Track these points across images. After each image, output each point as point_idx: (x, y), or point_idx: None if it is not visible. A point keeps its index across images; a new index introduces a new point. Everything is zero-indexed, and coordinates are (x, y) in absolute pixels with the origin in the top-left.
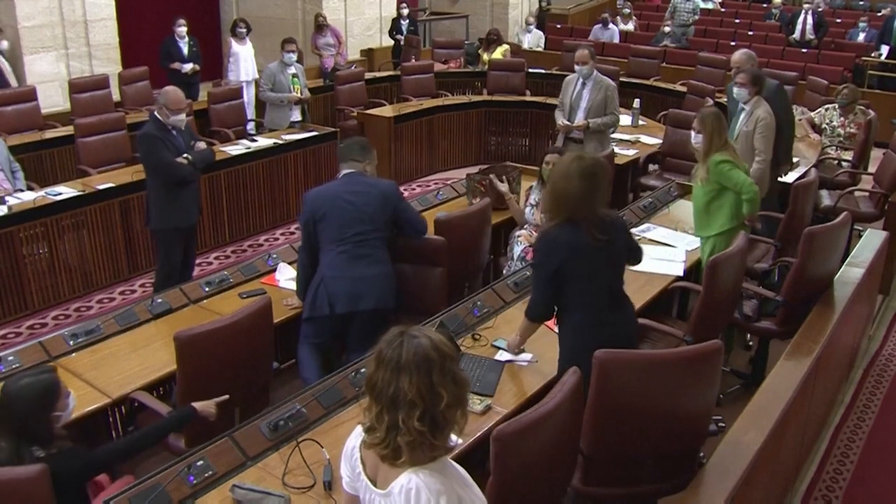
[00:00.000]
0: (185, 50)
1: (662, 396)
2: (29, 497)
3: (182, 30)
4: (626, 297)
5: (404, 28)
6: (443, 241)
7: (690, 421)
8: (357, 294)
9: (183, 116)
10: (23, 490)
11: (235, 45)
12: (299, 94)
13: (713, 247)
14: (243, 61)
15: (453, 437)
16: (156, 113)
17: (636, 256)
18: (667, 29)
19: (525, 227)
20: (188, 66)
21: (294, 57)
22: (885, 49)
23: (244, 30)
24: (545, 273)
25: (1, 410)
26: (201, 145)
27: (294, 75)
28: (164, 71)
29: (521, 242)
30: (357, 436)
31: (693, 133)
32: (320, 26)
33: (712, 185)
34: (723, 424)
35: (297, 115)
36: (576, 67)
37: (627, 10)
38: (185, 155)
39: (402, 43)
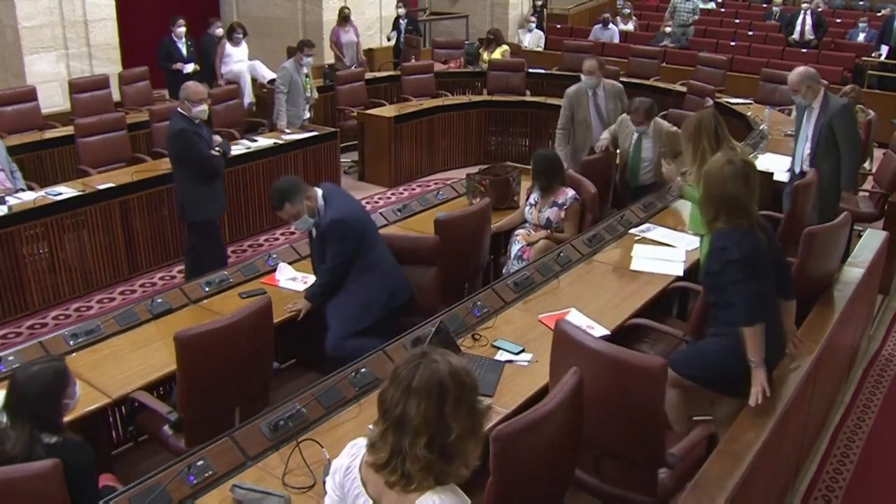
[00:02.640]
0: (184, 50)
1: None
2: (41, 493)
3: (181, 30)
4: (778, 304)
5: (402, 27)
6: (436, 240)
7: (634, 428)
8: (405, 282)
9: (204, 107)
10: (35, 486)
11: (229, 48)
12: (309, 93)
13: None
14: (235, 63)
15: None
16: (180, 109)
17: (785, 287)
18: (667, 29)
19: (524, 226)
20: (190, 67)
21: (311, 60)
22: (884, 49)
23: (241, 35)
24: (746, 269)
25: (14, 397)
26: (217, 138)
27: (307, 75)
28: (161, 72)
29: (519, 241)
30: (351, 455)
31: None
32: (346, 19)
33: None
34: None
35: (307, 114)
36: (584, 78)
37: (627, 11)
38: (216, 147)
39: (401, 44)
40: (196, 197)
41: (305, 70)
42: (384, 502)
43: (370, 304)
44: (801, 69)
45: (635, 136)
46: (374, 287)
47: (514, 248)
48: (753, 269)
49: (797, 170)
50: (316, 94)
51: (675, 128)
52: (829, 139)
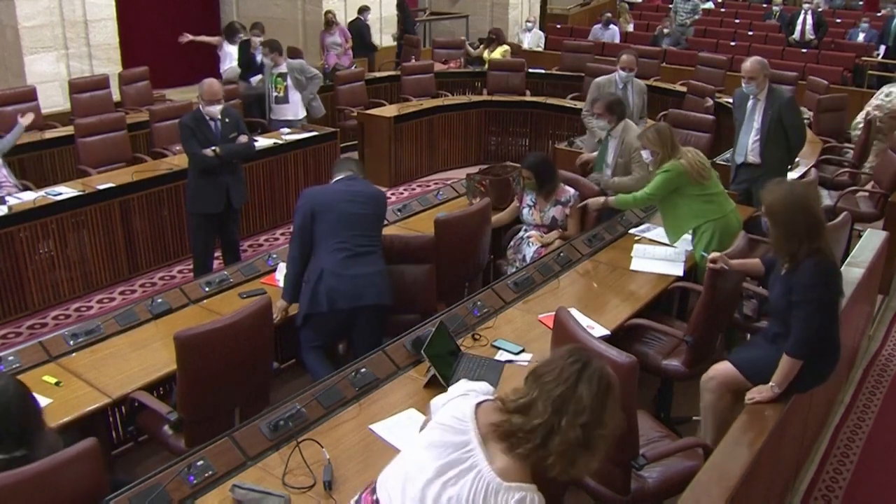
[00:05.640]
0: (260, 58)
1: None
2: (82, 470)
3: (258, 40)
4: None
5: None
6: (430, 238)
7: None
8: (358, 292)
9: (217, 107)
10: (77, 465)
11: (227, 46)
12: (281, 94)
13: (709, 240)
14: (231, 61)
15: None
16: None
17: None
18: (666, 30)
19: (526, 228)
20: (257, 79)
21: (268, 61)
22: (882, 49)
23: (243, 35)
24: (826, 308)
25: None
26: (242, 139)
27: (280, 75)
28: (163, 72)
29: (533, 244)
30: (468, 391)
31: (646, 153)
32: (329, 23)
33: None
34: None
35: (296, 114)
36: (621, 73)
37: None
38: (213, 147)
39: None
40: (190, 187)
41: (279, 70)
42: (489, 451)
43: (305, 293)
44: (757, 58)
45: (604, 134)
46: (310, 283)
47: (529, 251)
48: (833, 307)
49: (740, 160)
50: (280, 94)
51: (634, 141)
52: (779, 130)
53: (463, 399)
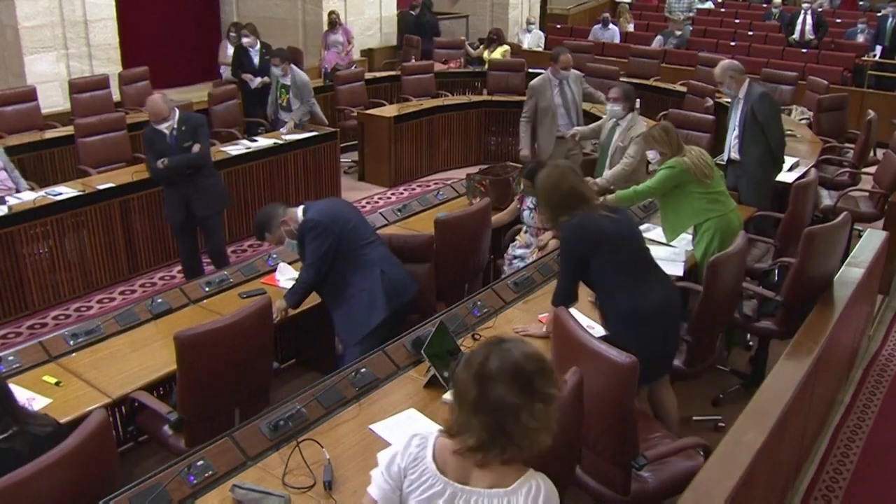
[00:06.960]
0: (257, 60)
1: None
2: (98, 444)
3: (247, 40)
4: (657, 266)
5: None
6: (428, 237)
7: (604, 421)
8: (409, 281)
9: (163, 125)
10: (91, 443)
11: (228, 47)
12: (284, 103)
13: (710, 239)
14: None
15: None
16: None
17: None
18: (678, 32)
19: (527, 228)
20: (257, 81)
21: (278, 71)
22: (878, 49)
23: (235, 35)
24: (569, 253)
25: None
26: (195, 148)
27: (284, 86)
28: (163, 72)
29: (517, 248)
30: (419, 446)
31: (652, 153)
32: (333, 24)
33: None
34: (722, 424)
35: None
36: (561, 72)
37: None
38: (162, 159)
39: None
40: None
41: (284, 81)
42: (474, 483)
43: (374, 302)
44: (724, 62)
45: (610, 122)
46: (375, 286)
47: (517, 254)
48: (589, 249)
49: (726, 157)
50: (284, 104)
51: (640, 129)
52: (754, 126)
53: (416, 463)
